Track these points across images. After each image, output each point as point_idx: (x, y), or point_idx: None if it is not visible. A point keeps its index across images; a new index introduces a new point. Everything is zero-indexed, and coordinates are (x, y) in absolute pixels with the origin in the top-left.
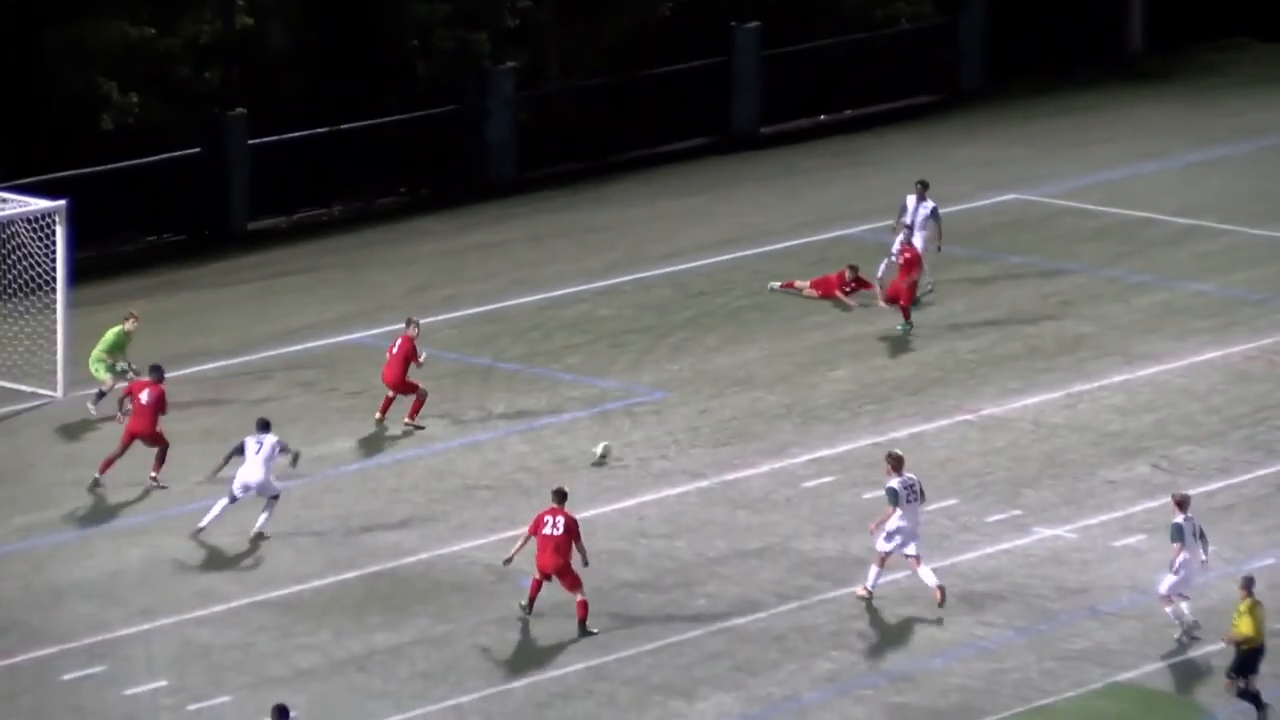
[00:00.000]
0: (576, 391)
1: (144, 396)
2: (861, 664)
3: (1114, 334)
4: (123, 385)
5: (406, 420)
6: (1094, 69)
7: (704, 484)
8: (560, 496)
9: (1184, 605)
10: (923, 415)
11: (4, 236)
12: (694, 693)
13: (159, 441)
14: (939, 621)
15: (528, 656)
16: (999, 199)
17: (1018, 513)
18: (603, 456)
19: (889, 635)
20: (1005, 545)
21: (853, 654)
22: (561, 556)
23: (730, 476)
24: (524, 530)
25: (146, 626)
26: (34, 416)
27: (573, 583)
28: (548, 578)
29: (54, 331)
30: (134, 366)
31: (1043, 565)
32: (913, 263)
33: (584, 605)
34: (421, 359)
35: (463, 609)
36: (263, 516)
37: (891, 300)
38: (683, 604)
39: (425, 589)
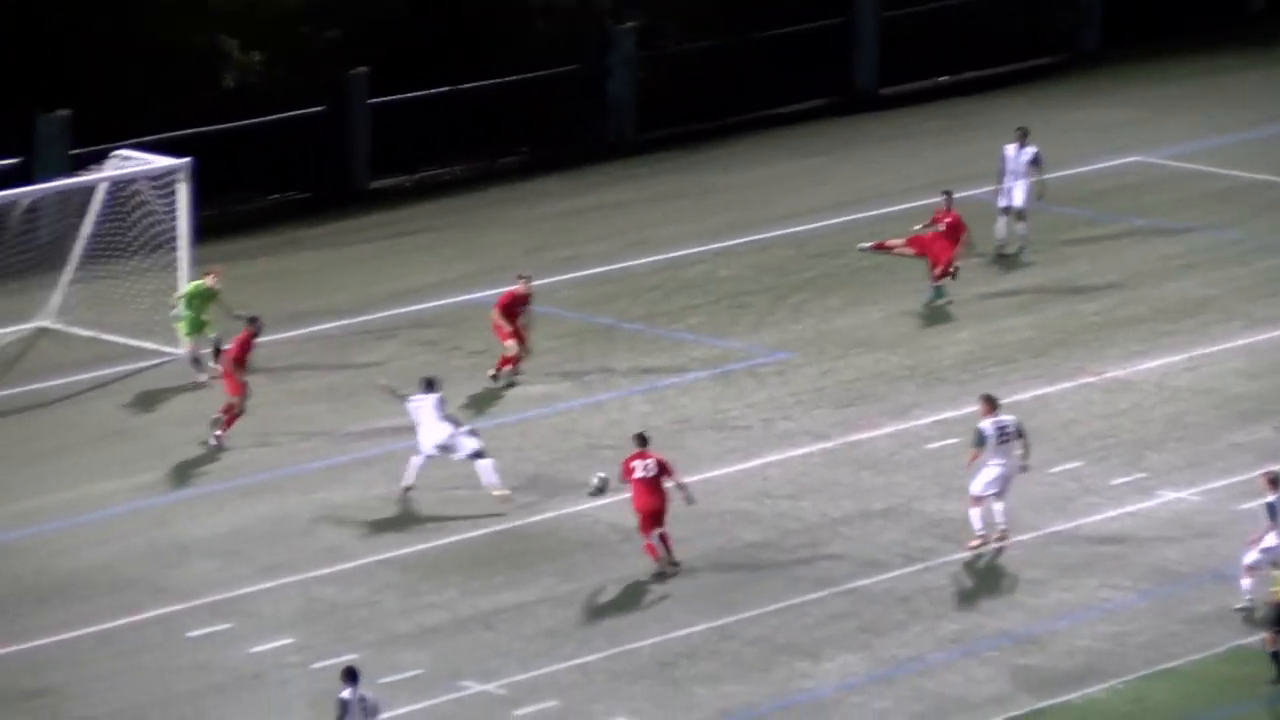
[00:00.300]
0: (698, 352)
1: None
2: (986, 625)
3: (1237, 297)
4: (199, 345)
5: (491, 371)
6: (1214, 31)
7: (828, 445)
8: (642, 440)
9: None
10: (1046, 377)
11: (127, 195)
12: (819, 653)
13: (234, 391)
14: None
15: (653, 615)
16: (1120, 161)
17: (1142, 475)
18: (599, 489)
19: (1014, 597)
20: (1129, 508)
21: (978, 615)
22: (659, 497)
23: (854, 437)
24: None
25: (272, 584)
26: (157, 374)
27: (662, 521)
28: (651, 521)
29: (176, 290)
30: (217, 336)
31: (1167, 528)
32: (955, 228)
33: (663, 541)
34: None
35: (588, 567)
36: (486, 476)
37: (933, 262)
38: (807, 564)
39: (551, 547)
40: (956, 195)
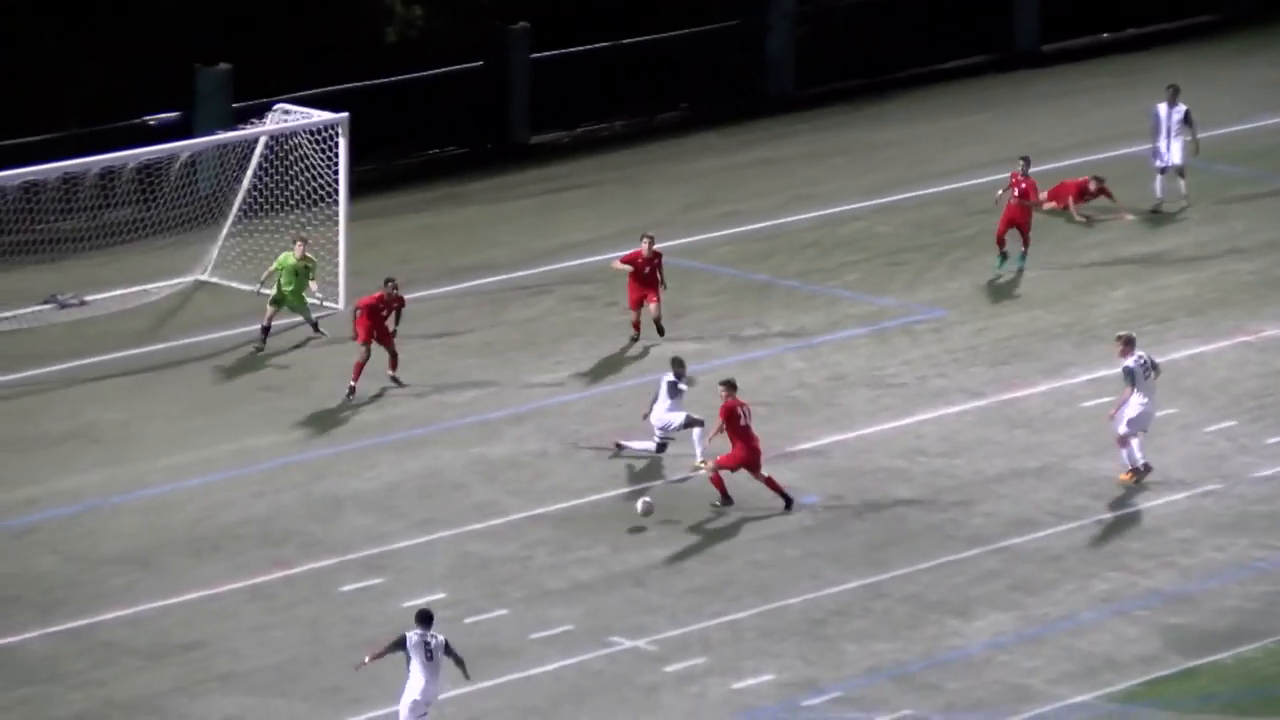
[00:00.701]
0: (854, 309)
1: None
2: (1138, 584)
3: None
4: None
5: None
6: None
7: (982, 402)
8: (732, 386)
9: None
10: (1201, 337)
11: (286, 149)
12: (970, 611)
13: (363, 336)
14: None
15: (804, 573)
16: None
17: None
18: (645, 512)
19: (1165, 556)
20: None
21: (1129, 574)
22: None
23: (1008, 395)
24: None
25: (424, 539)
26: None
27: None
28: (752, 465)
29: (335, 244)
30: (319, 293)
31: None
32: (1028, 192)
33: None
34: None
35: (739, 524)
36: (698, 447)
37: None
38: (960, 522)
39: (702, 504)
40: (1120, 153)
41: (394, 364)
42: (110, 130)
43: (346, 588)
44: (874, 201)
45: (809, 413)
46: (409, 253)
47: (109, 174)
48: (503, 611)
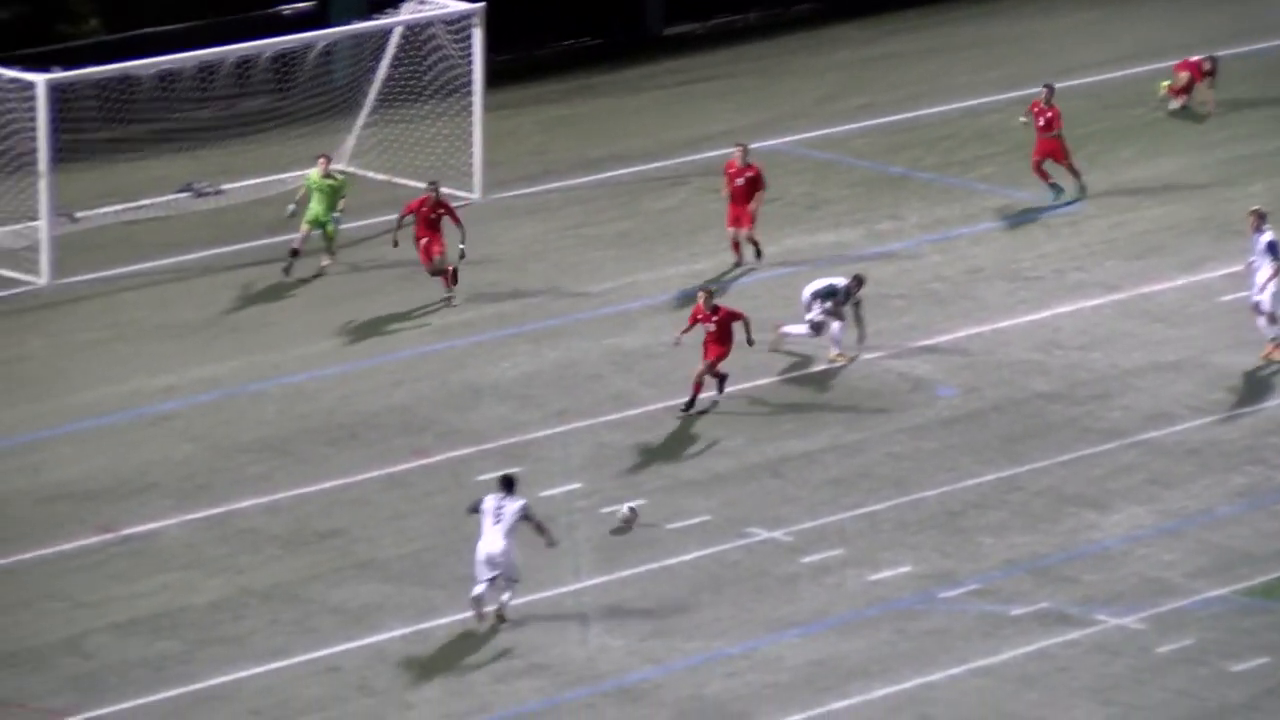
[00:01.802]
0: (990, 201)
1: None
2: (1275, 479)
3: None
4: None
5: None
6: None
7: (1119, 296)
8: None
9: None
10: None
11: (422, 39)
12: (1107, 504)
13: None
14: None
15: (941, 465)
16: None
17: None
18: (625, 521)
19: None
20: None
21: (1268, 469)
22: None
23: (1145, 289)
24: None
25: (562, 429)
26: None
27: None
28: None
29: (470, 134)
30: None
31: None
32: (1053, 122)
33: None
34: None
35: (876, 416)
36: (834, 335)
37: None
38: (1097, 416)
39: (839, 395)
40: (1244, 49)
41: (447, 279)
42: (245, 20)
43: (483, 477)
44: (1010, 94)
45: (946, 305)
46: (544, 144)
47: (245, 63)
48: (639, 502)
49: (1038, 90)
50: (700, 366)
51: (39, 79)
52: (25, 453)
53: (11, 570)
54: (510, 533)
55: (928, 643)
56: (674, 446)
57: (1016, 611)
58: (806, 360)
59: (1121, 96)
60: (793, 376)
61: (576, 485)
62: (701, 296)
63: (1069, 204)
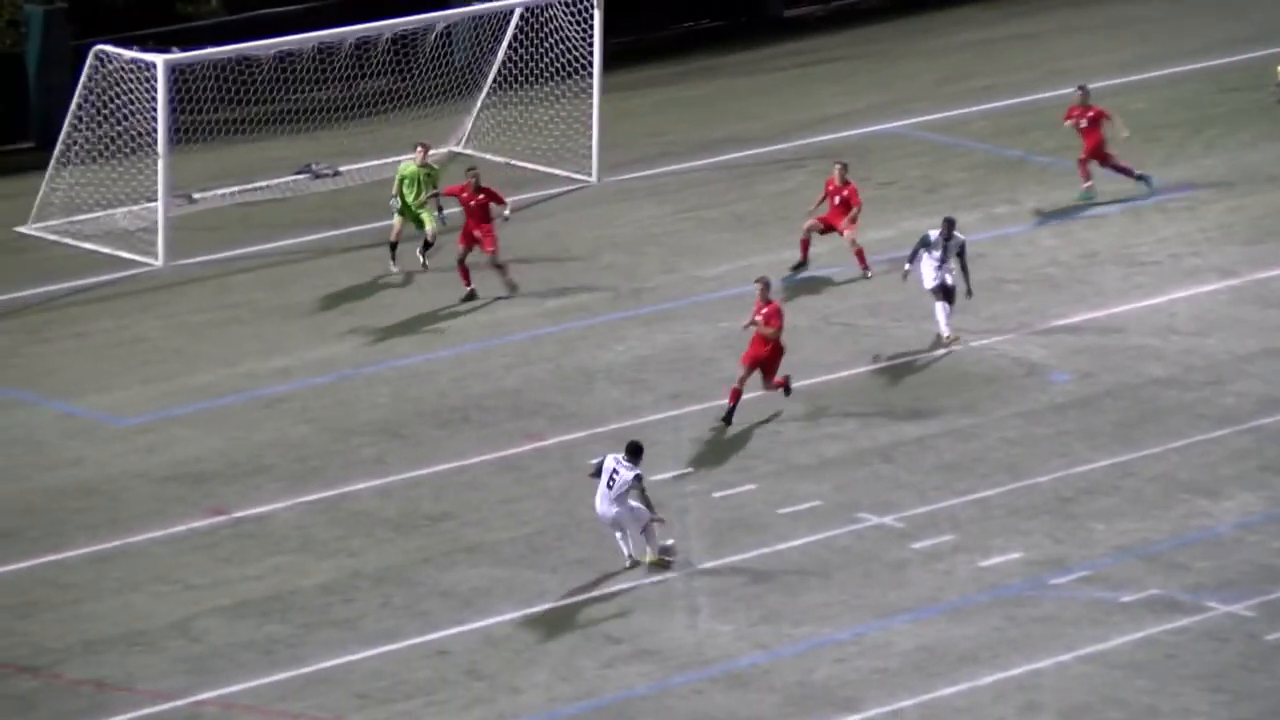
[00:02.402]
0: (1107, 185)
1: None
2: None
3: None
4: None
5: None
6: None
7: (1235, 281)
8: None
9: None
10: None
11: (541, 20)
12: (1220, 491)
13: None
14: None
15: (1054, 450)
16: None
17: None
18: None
19: None
20: None
21: None
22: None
23: (1262, 274)
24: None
25: (674, 412)
26: (570, 200)
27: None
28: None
29: (589, 116)
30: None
31: None
32: (1098, 119)
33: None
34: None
35: (990, 401)
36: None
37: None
38: (1211, 401)
39: (952, 380)
40: None
41: (501, 272)
42: (365, 1)
43: (595, 460)
44: (1129, 78)
45: (1061, 290)
46: (662, 125)
47: (364, 44)
48: (750, 486)
49: (1163, 73)
50: (741, 371)
51: (159, 59)
52: (139, 434)
53: (123, 552)
54: (620, 499)
55: (1036, 629)
56: (786, 430)
57: (1126, 598)
58: (920, 344)
59: (1242, 80)
60: (906, 361)
61: (688, 470)
62: (758, 288)
63: (1150, 190)
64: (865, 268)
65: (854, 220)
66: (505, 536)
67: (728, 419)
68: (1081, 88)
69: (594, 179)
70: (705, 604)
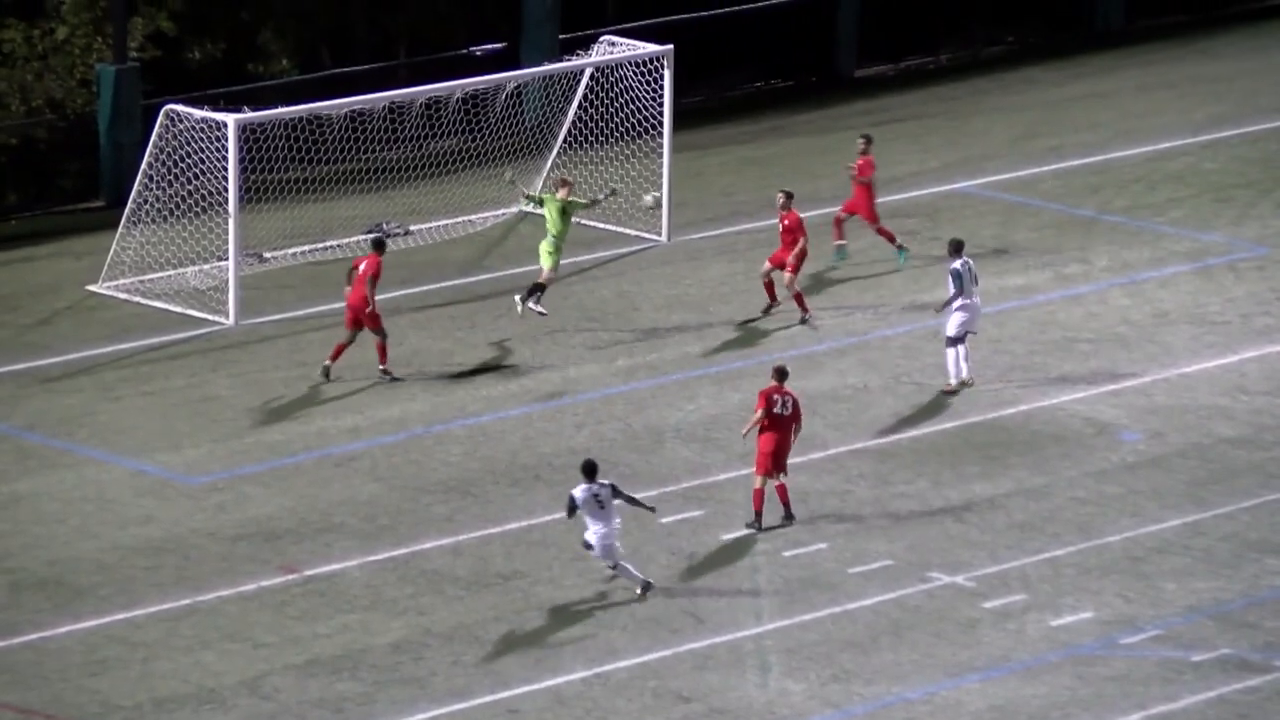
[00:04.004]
0: (1179, 245)
1: (361, 267)
2: None
3: None
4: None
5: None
6: None
7: None
8: (782, 375)
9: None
10: None
11: (611, 80)
12: None
13: (373, 325)
14: None
15: (1125, 509)
16: None
17: None
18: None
19: None
20: None
21: None
22: (786, 438)
23: None
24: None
25: (745, 471)
26: (639, 259)
27: (783, 466)
28: (772, 462)
29: (660, 175)
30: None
31: None
32: (864, 169)
33: (780, 494)
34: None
35: (1061, 461)
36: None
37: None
38: None
39: (1023, 440)
40: None
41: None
42: (436, 60)
43: (666, 519)
44: (1202, 137)
45: (1132, 349)
46: (732, 185)
47: (435, 104)
48: (821, 545)
49: (1236, 132)
50: (760, 471)
51: (229, 119)
52: (210, 493)
53: (194, 610)
54: (609, 515)
55: (1108, 688)
56: (857, 489)
57: (1197, 658)
58: (992, 404)
59: None
60: (977, 421)
61: (751, 530)
62: (774, 375)
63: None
64: (805, 311)
65: (799, 260)
66: (576, 595)
67: (784, 518)
68: (864, 136)
69: (664, 238)
70: (776, 662)
